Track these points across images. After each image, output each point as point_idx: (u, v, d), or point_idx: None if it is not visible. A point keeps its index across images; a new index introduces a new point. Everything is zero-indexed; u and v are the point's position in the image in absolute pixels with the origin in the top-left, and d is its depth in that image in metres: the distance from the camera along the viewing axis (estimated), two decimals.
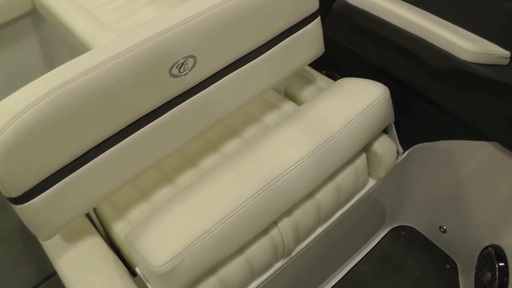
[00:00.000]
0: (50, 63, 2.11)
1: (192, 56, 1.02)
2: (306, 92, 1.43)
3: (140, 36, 0.95)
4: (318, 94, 1.29)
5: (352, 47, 1.38)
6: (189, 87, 1.06)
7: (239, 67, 1.13)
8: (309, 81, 1.45)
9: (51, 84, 0.87)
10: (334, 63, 1.51)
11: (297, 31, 1.22)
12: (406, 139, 1.35)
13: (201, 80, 1.07)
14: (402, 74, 1.27)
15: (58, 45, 2.07)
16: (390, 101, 1.23)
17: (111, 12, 1.65)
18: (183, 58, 1.00)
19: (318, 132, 1.11)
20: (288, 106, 1.39)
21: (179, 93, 1.04)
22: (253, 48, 1.14)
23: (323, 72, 1.51)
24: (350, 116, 1.15)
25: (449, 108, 1.19)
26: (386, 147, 1.25)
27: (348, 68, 1.47)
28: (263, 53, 1.16)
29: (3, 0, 1.80)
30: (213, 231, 0.95)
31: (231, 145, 1.29)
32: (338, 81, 1.29)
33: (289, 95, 1.46)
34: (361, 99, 1.19)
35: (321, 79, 1.45)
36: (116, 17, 1.63)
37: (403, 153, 1.34)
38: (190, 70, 1.03)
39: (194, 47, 1.01)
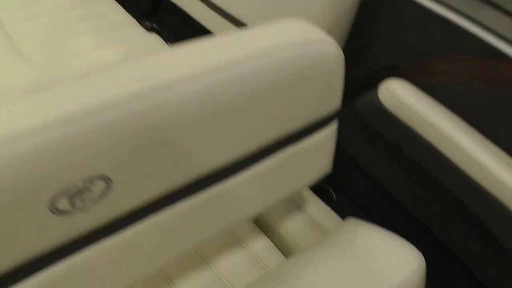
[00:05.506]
0: None
1: (102, 176, 0.53)
2: (292, 223, 0.95)
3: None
4: (314, 240, 0.87)
5: (367, 168, 1.03)
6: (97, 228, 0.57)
7: (201, 191, 0.66)
8: (297, 205, 0.99)
9: None
10: (331, 176, 0.96)
11: (299, 139, 0.75)
12: None
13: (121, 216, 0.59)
14: (440, 233, 0.91)
15: None
16: (424, 277, 0.79)
17: (34, 38, 1.22)
18: (80, 180, 0.52)
19: None
20: (261, 245, 0.91)
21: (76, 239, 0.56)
22: (239, 160, 0.68)
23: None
24: None
25: None
26: None
27: (354, 189, 1.10)
28: (244, 172, 0.70)
29: None
30: None
31: None
32: (346, 225, 0.84)
33: (262, 223, 0.97)
34: (385, 273, 0.73)
35: (314, 206, 0.99)
36: (38, 45, 1.19)
37: None
38: (97, 200, 0.54)
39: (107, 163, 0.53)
